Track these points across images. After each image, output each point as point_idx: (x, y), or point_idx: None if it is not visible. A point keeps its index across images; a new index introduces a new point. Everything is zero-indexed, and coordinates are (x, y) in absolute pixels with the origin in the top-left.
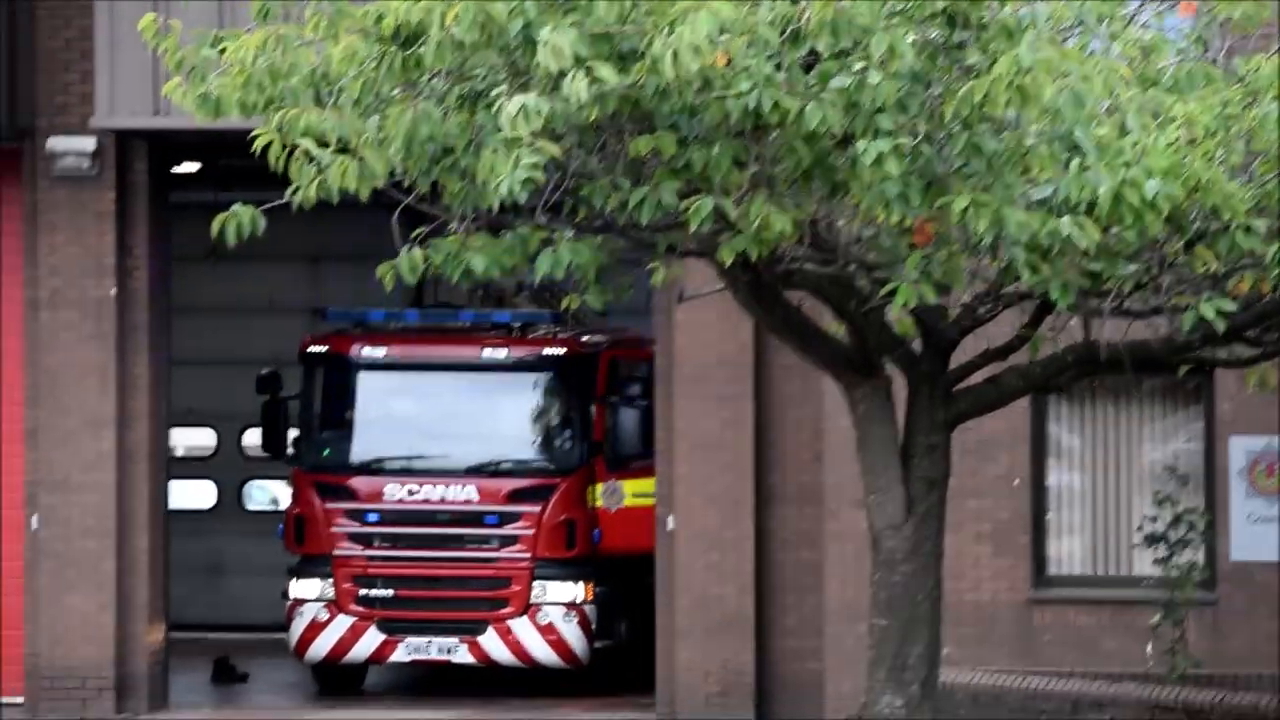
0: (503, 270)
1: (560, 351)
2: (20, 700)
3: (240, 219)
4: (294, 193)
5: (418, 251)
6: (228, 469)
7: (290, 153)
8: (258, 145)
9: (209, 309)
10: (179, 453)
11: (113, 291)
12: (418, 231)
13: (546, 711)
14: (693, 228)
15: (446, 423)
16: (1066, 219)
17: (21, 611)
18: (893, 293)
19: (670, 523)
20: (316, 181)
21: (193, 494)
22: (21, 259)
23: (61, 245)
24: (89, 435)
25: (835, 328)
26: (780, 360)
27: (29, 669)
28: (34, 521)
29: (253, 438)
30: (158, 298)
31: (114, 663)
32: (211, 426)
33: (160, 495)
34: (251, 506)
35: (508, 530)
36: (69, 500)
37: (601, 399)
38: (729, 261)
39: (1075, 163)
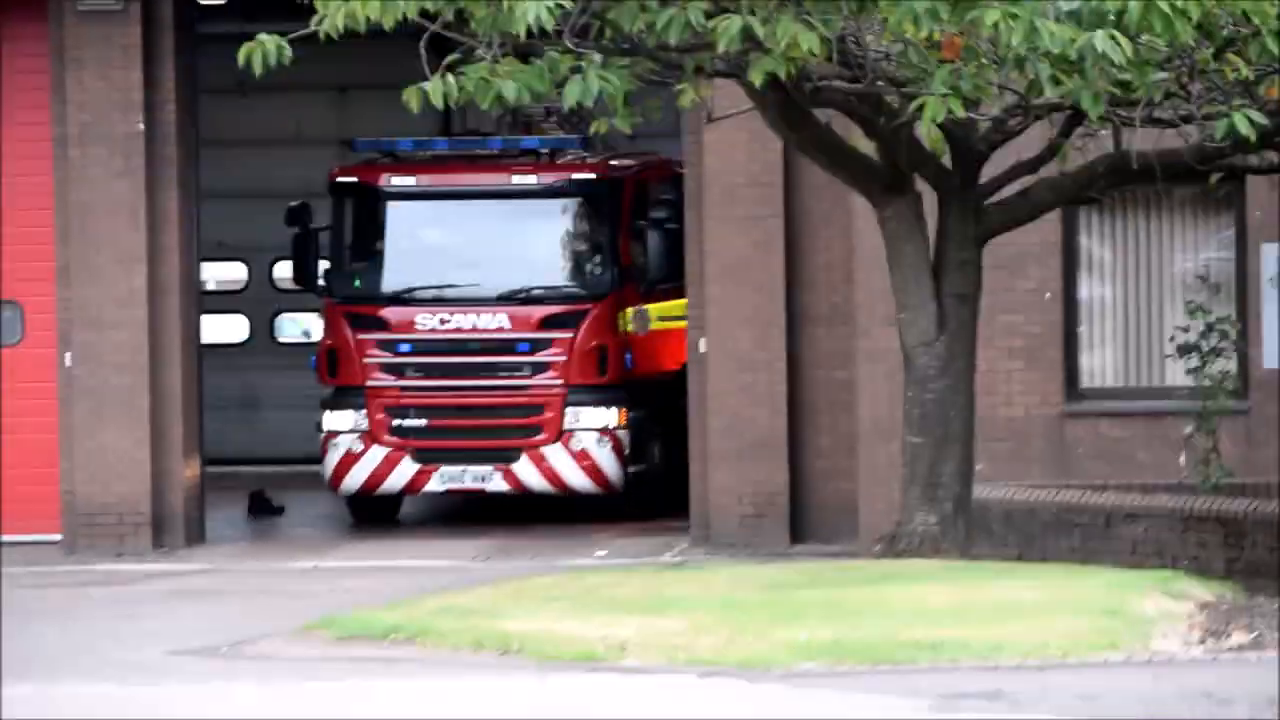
0: (534, 96)
1: (589, 176)
2: (58, 538)
3: (266, 48)
4: (320, 22)
5: (450, 78)
6: (259, 302)
7: None
8: None
9: (237, 142)
10: (210, 287)
11: (140, 126)
12: (449, 58)
13: (582, 537)
14: (720, 47)
15: (477, 251)
16: (1099, 34)
17: (57, 449)
18: (921, 108)
19: (702, 345)
20: (343, 11)
21: (225, 328)
22: (49, 96)
23: (89, 81)
24: (120, 271)
25: (864, 145)
26: (810, 180)
27: (65, 507)
28: (67, 359)
29: (283, 270)
30: (186, 132)
31: (150, 498)
32: (242, 260)
33: (192, 330)
34: (283, 339)
35: (540, 357)
36: (102, 337)
37: (631, 223)
38: (759, 82)
39: None
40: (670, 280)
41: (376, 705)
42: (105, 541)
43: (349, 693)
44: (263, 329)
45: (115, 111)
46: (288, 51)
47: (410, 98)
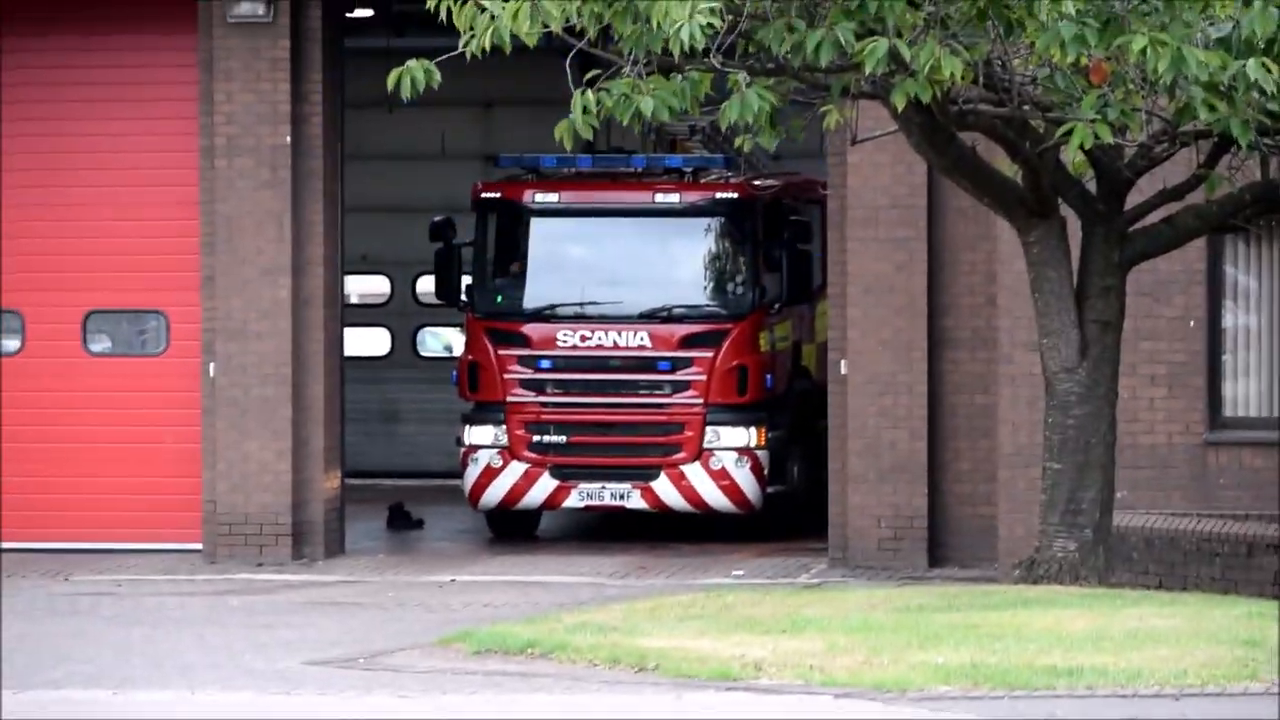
0: (671, 113)
1: (733, 195)
2: (198, 547)
3: (414, 74)
4: (467, 43)
5: (590, 94)
6: (401, 316)
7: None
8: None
9: (382, 156)
10: (353, 300)
11: (287, 139)
12: (591, 74)
13: (718, 556)
14: (867, 69)
15: (619, 268)
16: (1251, 61)
17: (199, 459)
18: (1069, 134)
19: (843, 367)
20: (490, 30)
21: (367, 341)
22: (197, 107)
23: (237, 93)
24: (265, 283)
25: (1009, 169)
26: (954, 203)
27: (207, 516)
28: (211, 369)
29: (426, 285)
30: (332, 144)
31: (290, 509)
32: (385, 273)
33: (335, 342)
34: (425, 353)
35: (680, 376)
36: (245, 348)
37: (773, 243)
38: (900, 105)
39: (1259, 0)
40: (794, 302)
41: (512, 719)
42: (245, 551)
43: (484, 706)
44: (404, 343)
45: (262, 123)
46: (436, 76)
47: (561, 133)
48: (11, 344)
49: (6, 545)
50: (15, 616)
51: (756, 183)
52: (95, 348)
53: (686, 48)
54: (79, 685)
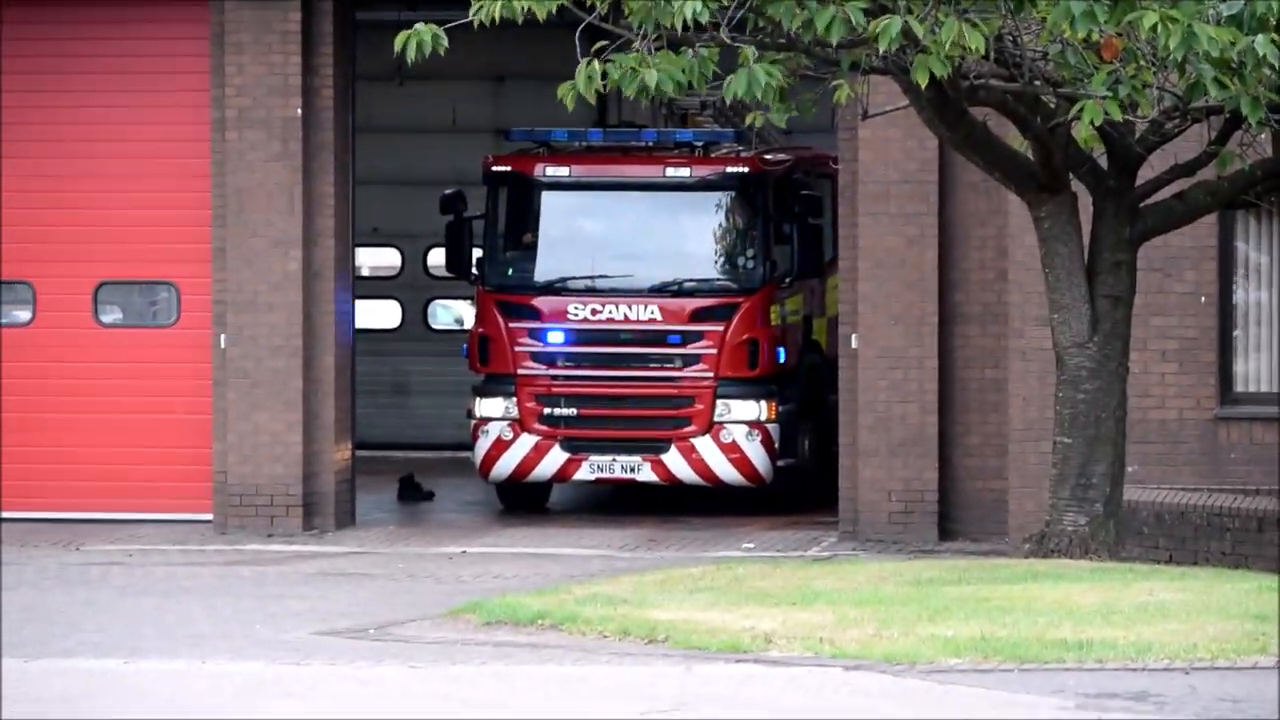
0: (677, 87)
1: (743, 170)
2: (209, 517)
3: (422, 37)
4: (477, 12)
5: (595, 65)
6: (412, 288)
7: None
8: None
9: (393, 129)
10: (364, 272)
11: (298, 111)
12: (598, 45)
13: (729, 529)
14: (881, 48)
15: (629, 242)
16: (1260, 37)
17: (210, 430)
18: (1080, 110)
19: (854, 341)
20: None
21: (378, 314)
22: (208, 79)
23: (247, 65)
24: (276, 255)
25: (1020, 144)
26: (965, 178)
27: (218, 487)
28: (222, 341)
29: (437, 257)
30: (342, 117)
31: (301, 481)
32: (396, 246)
33: (346, 314)
34: (436, 326)
35: (690, 349)
36: (256, 320)
37: (784, 217)
38: (923, 82)
39: None
40: (805, 275)
41: (521, 690)
42: (256, 522)
43: (494, 677)
44: (415, 315)
45: (273, 96)
46: (444, 41)
47: (564, 95)
48: (23, 315)
49: (18, 515)
50: (26, 586)
51: (767, 157)
52: (106, 319)
53: (691, 23)
54: (90, 655)
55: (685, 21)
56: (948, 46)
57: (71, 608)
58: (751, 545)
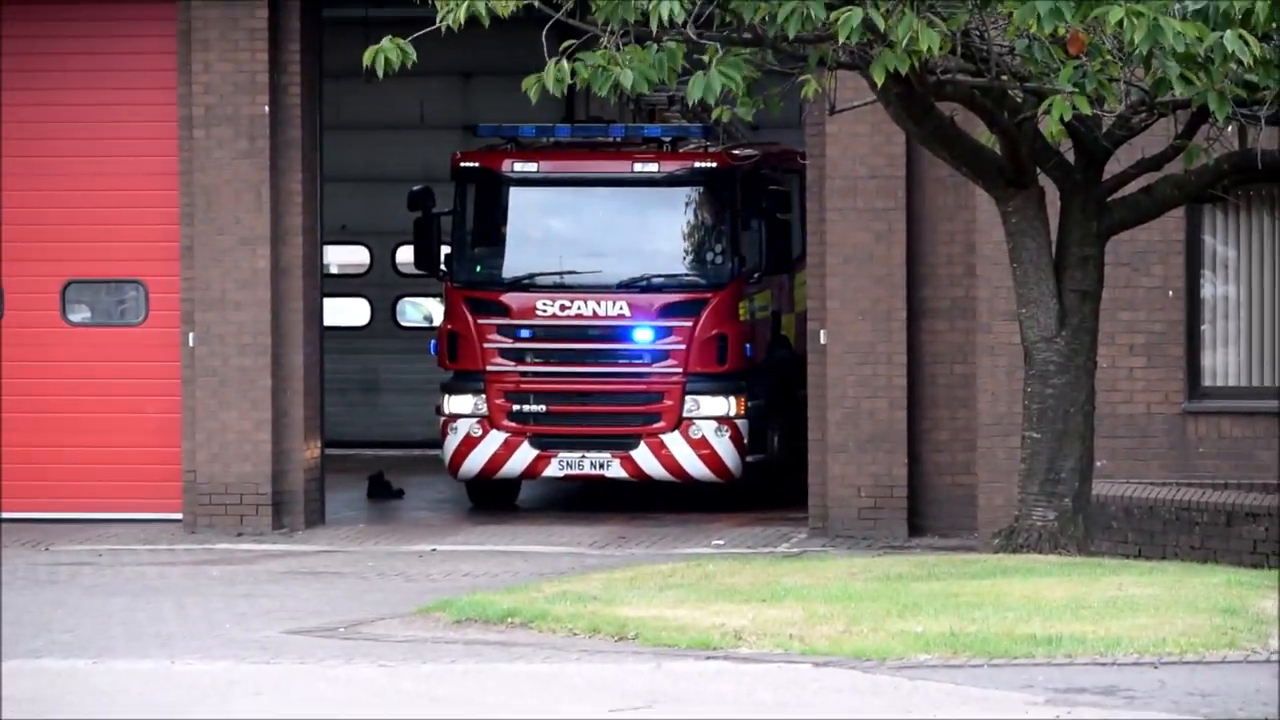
0: (650, 85)
1: (711, 165)
2: (178, 516)
3: (388, 53)
4: (443, 16)
5: (565, 64)
6: (381, 286)
7: None
8: None
9: (361, 125)
10: (332, 270)
11: (266, 108)
12: (566, 44)
13: (698, 526)
14: (840, 39)
15: (598, 238)
16: (1229, 33)
17: (179, 429)
18: (1049, 105)
19: (822, 337)
20: (465, 5)
21: (347, 311)
22: (175, 77)
23: (214, 62)
24: (244, 252)
25: (987, 139)
26: (932, 173)
27: (187, 486)
28: (190, 339)
29: (406, 255)
30: (310, 114)
31: (270, 479)
32: (365, 244)
33: (314, 312)
34: (405, 323)
35: (659, 345)
36: (224, 318)
37: (752, 213)
38: (880, 78)
39: None
40: (773, 271)
41: (491, 688)
42: (225, 521)
43: (464, 675)
44: (384, 313)
45: (240, 93)
46: (412, 56)
47: (529, 87)
48: None
49: None
50: None
51: (735, 152)
52: (74, 318)
53: (667, 23)
54: (59, 655)
55: (661, 21)
56: (904, 42)
57: (40, 608)
58: (721, 541)
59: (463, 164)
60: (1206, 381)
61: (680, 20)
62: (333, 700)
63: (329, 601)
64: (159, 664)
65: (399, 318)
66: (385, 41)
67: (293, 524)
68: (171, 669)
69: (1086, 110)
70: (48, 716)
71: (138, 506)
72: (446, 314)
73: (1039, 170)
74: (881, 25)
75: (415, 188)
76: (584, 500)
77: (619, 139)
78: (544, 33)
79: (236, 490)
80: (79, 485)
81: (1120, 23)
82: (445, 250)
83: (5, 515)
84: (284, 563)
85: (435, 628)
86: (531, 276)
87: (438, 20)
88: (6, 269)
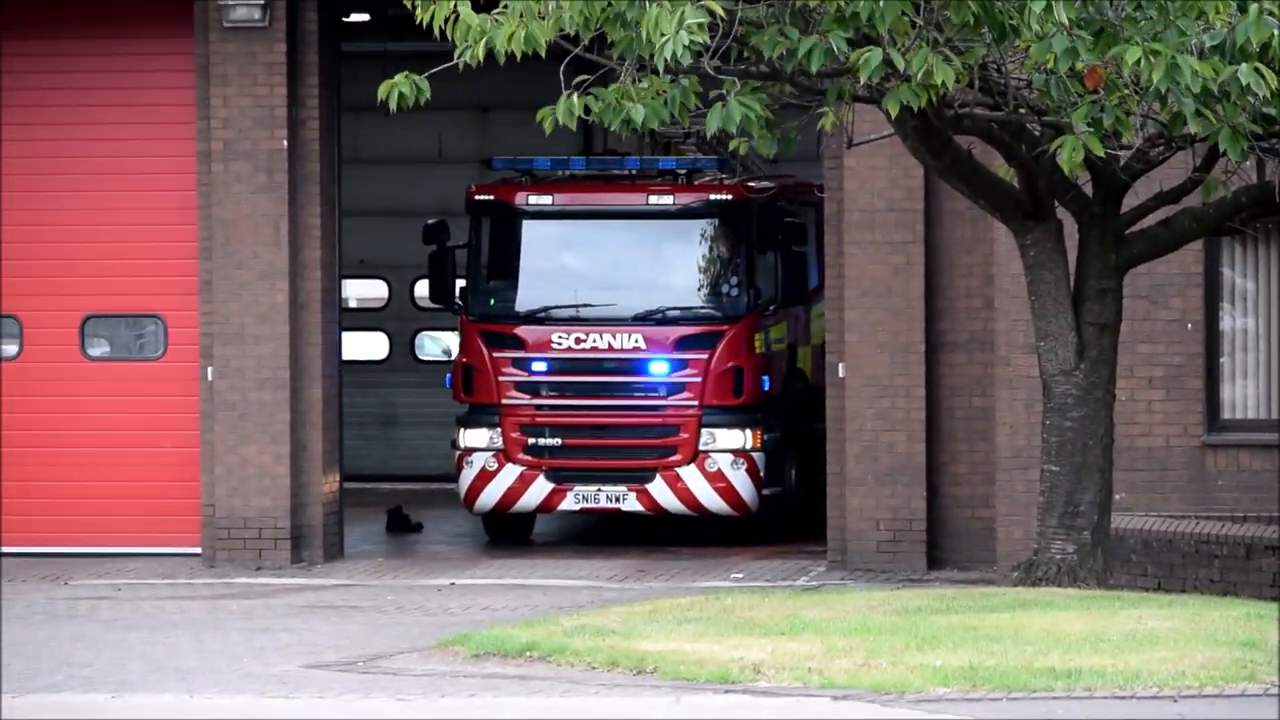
0: (661, 121)
1: (727, 198)
2: (197, 551)
3: (402, 88)
4: (461, 54)
5: (576, 98)
6: (400, 320)
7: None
8: (421, 18)
9: (379, 160)
10: (351, 304)
11: (284, 143)
12: (579, 79)
13: (716, 559)
14: (862, 79)
15: (613, 270)
16: (1245, 67)
17: (198, 463)
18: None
19: (841, 370)
20: (482, 42)
21: (365, 345)
22: (193, 112)
23: (233, 97)
24: (262, 287)
25: (1005, 172)
26: (951, 206)
27: (205, 520)
28: (209, 373)
29: (424, 288)
30: (328, 149)
31: (289, 513)
32: (383, 278)
33: (333, 346)
34: (424, 357)
35: (675, 378)
36: (243, 352)
37: (768, 245)
38: (895, 112)
39: (1254, 7)
40: (790, 303)
41: None
42: (244, 555)
43: (483, 709)
44: (403, 347)
45: (259, 128)
46: (426, 92)
47: (544, 119)
48: (10, 349)
49: (6, 550)
50: (14, 621)
51: (751, 185)
52: (93, 352)
53: (672, 63)
54: (78, 689)
55: (668, 61)
56: (919, 76)
57: (59, 642)
58: (740, 575)
59: (477, 197)
60: (1226, 414)
61: (687, 61)
62: None
63: (347, 635)
64: (178, 698)
65: (417, 351)
66: (399, 77)
67: (311, 558)
68: (190, 703)
69: (1099, 151)
70: None
71: (157, 540)
72: (461, 347)
73: (1057, 203)
74: (900, 64)
75: (430, 221)
76: (601, 534)
77: (634, 171)
78: (562, 67)
79: (255, 524)
80: (98, 519)
81: (1138, 62)
82: (460, 284)
83: (25, 549)
84: (303, 596)
85: (454, 661)
86: (546, 309)
87: (455, 57)
88: (26, 304)
